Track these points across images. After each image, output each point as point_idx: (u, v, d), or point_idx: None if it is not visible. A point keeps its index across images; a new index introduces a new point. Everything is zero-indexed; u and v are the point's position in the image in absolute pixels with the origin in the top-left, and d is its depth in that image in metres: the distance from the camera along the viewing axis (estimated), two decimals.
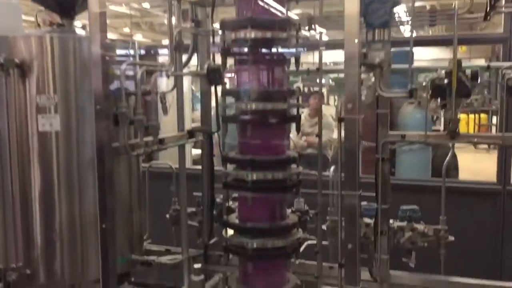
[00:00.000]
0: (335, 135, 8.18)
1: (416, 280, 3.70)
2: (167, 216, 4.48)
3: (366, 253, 3.91)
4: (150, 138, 3.23)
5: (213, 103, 3.80)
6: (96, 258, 3.68)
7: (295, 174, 3.21)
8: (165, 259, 3.94)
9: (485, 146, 13.07)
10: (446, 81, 3.18)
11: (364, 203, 4.03)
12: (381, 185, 3.67)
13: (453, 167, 7.43)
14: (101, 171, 2.84)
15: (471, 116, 15.11)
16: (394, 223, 3.80)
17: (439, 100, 3.35)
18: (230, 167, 3.29)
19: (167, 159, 4.70)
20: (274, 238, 3.18)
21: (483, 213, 5.19)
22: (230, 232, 3.36)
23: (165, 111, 3.25)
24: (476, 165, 9.74)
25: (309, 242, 3.97)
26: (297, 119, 3.20)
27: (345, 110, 2.44)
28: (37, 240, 3.59)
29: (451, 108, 3.23)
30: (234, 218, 3.36)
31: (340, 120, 2.51)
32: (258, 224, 3.19)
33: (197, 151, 10.27)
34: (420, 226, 3.76)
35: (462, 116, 10.30)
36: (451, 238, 3.77)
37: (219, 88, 3.51)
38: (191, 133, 3.81)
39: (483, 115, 15.54)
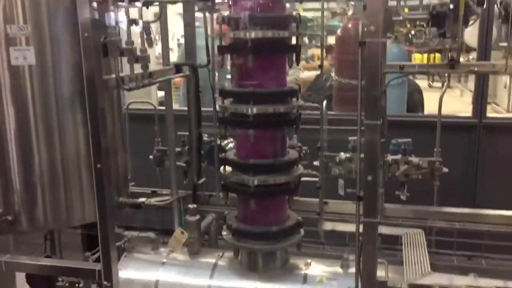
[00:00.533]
0: None
1: (410, 212, 3.71)
2: (151, 157, 4.27)
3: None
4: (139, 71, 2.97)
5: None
6: (80, 202, 3.50)
7: (297, 107, 3.05)
8: (154, 200, 3.76)
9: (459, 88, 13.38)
10: (451, 6, 3.03)
11: (354, 138, 3.98)
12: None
13: (419, 103, 7.48)
14: (93, 106, 2.59)
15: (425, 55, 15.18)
16: (389, 157, 3.76)
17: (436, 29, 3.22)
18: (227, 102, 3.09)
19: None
20: (276, 174, 3.05)
21: (459, 146, 5.26)
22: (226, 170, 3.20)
23: (150, 43, 2.97)
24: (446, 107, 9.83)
25: (304, 178, 3.89)
26: (297, 48, 3.00)
27: (366, 33, 2.26)
28: (16, 184, 3.32)
29: (453, 36, 3.11)
30: (232, 155, 3.20)
31: (361, 44, 2.34)
32: (260, 160, 3.04)
33: (161, 93, 9.95)
34: (415, 159, 3.74)
35: (417, 56, 10.32)
36: (445, 169, 3.79)
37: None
38: (178, 68, 3.55)
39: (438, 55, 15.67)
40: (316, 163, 3.92)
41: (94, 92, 2.59)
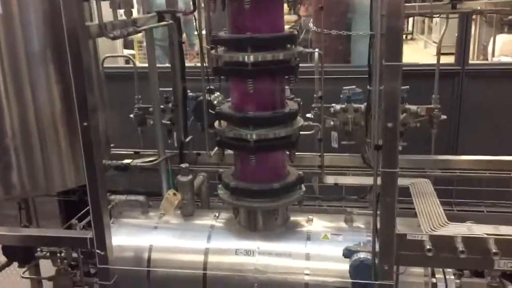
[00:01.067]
0: None
1: (408, 162, 3.59)
2: (131, 116, 3.97)
3: (355, 140, 3.74)
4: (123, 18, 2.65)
5: None
6: (60, 167, 3.21)
7: (295, 54, 2.82)
8: (141, 162, 3.50)
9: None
10: None
11: (348, 87, 3.80)
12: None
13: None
14: (77, 58, 2.28)
15: None
16: None
17: None
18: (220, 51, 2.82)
19: None
20: (277, 127, 2.84)
21: (442, 94, 5.16)
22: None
23: None
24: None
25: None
26: None
27: None
28: None
29: None
30: (227, 109, 2.95)
31: None
32: (259, 113, 2.81)
33: (129, 51, 9.45)
34: (413, 107, 3.59)
35: None
36: (444, 116, 3.67)
37: None
38: (160, 16, 3.23)
39: None
40: (309, 115, 3.74)
41: (76, 41, 2.27)
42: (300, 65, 2.88)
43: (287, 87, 2.99)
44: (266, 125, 2.83)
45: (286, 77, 2.87)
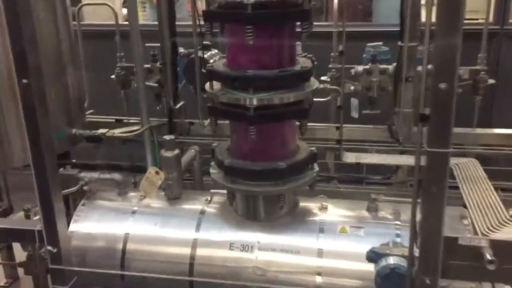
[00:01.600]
0: None
1: None
2: (113, 77, 3.35)
3: (380, 108, 3.09)
4: None
5: None
6: (19, 136, 2.63)
7: None
8: (119, 132, 2.89)
9: None
10: None
11: (372, 44, 3.12)
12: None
13: None
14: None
15: None
16: (420, 67, 2.93)
17: None
18: None
19: None
20: (284, 90, 2.20)
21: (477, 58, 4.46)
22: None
23: None
24: None
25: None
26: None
27: None
28: None
29: None
30: (221, 66, 2.31)
31: None
32: (262, 71, 2.17)
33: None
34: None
35: None
36: (492, 81, 3.00)
37: None
38: None
39: None
40: (325, 78, 3.09)
41: None
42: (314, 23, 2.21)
43: (298, 42, 2.33)
44: (270, 87, 2.19)
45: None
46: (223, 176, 2.38)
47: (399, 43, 2.87)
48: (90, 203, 2.68)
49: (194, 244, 2.44)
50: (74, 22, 3.25)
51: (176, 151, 2.58)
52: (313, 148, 2.44)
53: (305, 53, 2.94)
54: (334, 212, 2.50)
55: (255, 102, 2.16)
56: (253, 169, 2.30)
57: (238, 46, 2.21)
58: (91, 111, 3.43)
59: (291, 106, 2.24)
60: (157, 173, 2.57)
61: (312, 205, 2.56)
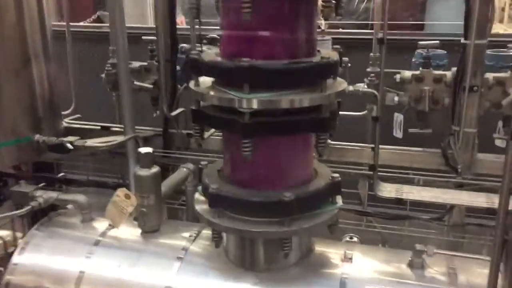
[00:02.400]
0: None
1: None
2: (102, 76, 2.78)
3: (432, 127, 2.37)
4: None
5: None
6: None
7: None
8: (93, 142, 2.29)
9: None
10: None
11: (425, 42, 2.40)
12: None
13: None
14: None
15: None
16: (488, 74, 2.20)
17: None
18: None
19: None
20: (295, 89, 1.54)
21: None
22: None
23: None
24: None
25: None
26: None
27: None
28: None
29: None
30: (211, 55, 1.68)
31: None
32: (262, 61, 1.52)
33: None
34: None
35: None
36: None
37: None
38: None
39: None
40: (361, 85, 2.40)
41: None
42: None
43: (321, 21, 1.65)
44: (274, 85, 1.53)
45: None
46: (209, 210, 1.72)
47: (462, 40, 2.16)
48: (45, 228, 2.09)
49: None
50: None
51: (155, 169, 1.95)
52: (336, 175, 1.74)
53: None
54: (362, 265, 1.80)
55: (251, 105, 1.50)
56: (246, 199, 1.63)
57: (231, 24, 1.57)
58: (77, 115, 2.88)
59: (304, 114, 1.57)
60: (127, 196, 1.94)
61: (333, 252, 1.86)
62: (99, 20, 5.85)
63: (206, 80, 1.70)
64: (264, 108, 1.52)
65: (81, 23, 4.93)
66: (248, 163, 1.60)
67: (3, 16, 2.13)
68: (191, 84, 1.68)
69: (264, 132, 1.56)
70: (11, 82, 2.16)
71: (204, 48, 2.38)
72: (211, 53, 1.71)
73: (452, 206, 2.27)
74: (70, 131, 2.65)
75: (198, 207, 1.78)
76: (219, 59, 1.61)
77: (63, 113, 2.85)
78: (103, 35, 3.42)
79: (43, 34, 2.34)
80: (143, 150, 1.95)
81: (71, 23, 2.85)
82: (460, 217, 2.28)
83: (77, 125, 2.73)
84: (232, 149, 1.70)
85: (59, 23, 4.69)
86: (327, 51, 1.70)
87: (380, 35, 2.34)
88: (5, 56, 2.13)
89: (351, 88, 2.04)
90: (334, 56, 1.64)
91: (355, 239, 2.25)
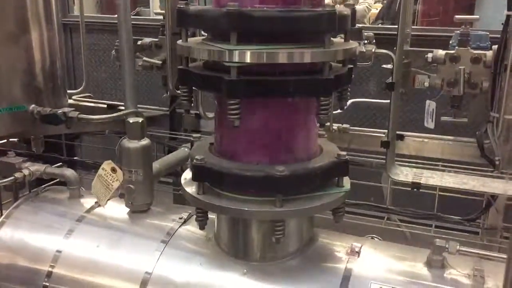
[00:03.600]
0: None
1: None
2: (113, 53, 2.64)
3: (468, 115, 2.07)
4: None
5: None
6: None
7: None
8: (92, 116, 2.13)
9: None
10: None
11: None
12: None
13: None
14: None
15: None
16: None
17: None
18: None
19: None
20: (291, 44, 1.31)
21: None
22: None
23: None
24: None
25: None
26: None
27: None
28: None
29: None
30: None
31: None
32: (253, 8, 1.30)
33: None
34: None
35: None
36: None
37: None
38: None
39: None
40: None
41: None
42: None
43: None
44: (267, 36, 1.30)
45: None
46: (194, 187, 1.50)
47: (506, 12, 1.87)
48: (30, 203, 1.93)
49: (145, 282, 1.58)
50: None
51: (145, 142, 1.76)
52: (343, 153, 1.49)
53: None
54: (370, 260, 1.53)
55: (238, 57, 1.28)
56: (232, 173, 1.40)
57: None
58: (87, 94, 2.76)
59: (302, 74, 1.34)
60: (113, 170, 1.76)
61: (338, 244, 1.60)
62: (138, 15, 5.86)
63: (197, 39, 1.50)
64: (252, 62, 1.29)
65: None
66: (236, 131, 1.38)
67: None
68: (179, 41, 1.49)
69: (253, 92, 1.33)
70: (7, 47, 2.03)
71: None
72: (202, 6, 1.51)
73: (488, 205, 1.96)
74: (76, 109, 2.52)
75: (183, 182, 1.57)
76: (207, 7, 1.41)
77: (73, 91, 2.76)
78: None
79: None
80: (132, 119, 1.76)
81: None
82: (497, 218, 1.96)
83: (84, 103, 2.61)
84: (220, 115, 1.49)
85: (96, 15, 4.71)
86: (335, 6, 1.46)
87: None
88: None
89: (362, 48, 1.77)
90: (344, 10, 1.40)
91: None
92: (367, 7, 6.57)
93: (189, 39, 1.47)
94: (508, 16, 1.85)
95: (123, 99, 1.89)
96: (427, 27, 4.21)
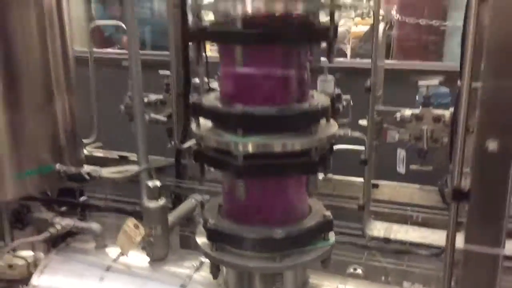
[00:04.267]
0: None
1: None
2: (121, 107, 2.97)
3: (432, 164, 2.45)
4: None
5: None
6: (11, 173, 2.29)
7: None
8: (109, 172, 2.46)
9: None
10: None
11: (426, 82, 2.50)
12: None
13: None
14: None
15: None
16: None
17: None
18: None
19: None
20: (286, 134, 1.66)
21: None
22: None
23: None
24: None
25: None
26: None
27: None
28: None
29: None
30: (212, 99, 1.82)
31: None
32: (255, 107, 1.65)
33: None
34: None
35: None
36: None
37: None
38: None
39: None
40: (363, 122, 2.50)
41: None
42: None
43: (324, 59, 1.75)
44: (267, 130, 1.66)
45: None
46: (208, 243, 1.85)
47: (459, 82, 2.24)
48: (62, 253, 2.26)
49: None
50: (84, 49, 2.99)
51: (162, 202, 2.10)
52: (328, 214, 1.85)
53: (339, 91, 2.43)
54: None
55: (248, 147, 1.63)
56: (240, 235, 1.75)
57: (228, 72, 1.71)
58: (99, 144, 3.08)
59: (296, 158, 1.69)
60: (136, 226, 2.10)
61: (326, 284, 1.96)
62: None
63: (208, 126, 1.85)
64: (256, 152, 1.64)
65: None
66: (242, 201, 1.73)
67: (28, 53, 2.30)
68: (193, 126, 1.83)
69: (256, 174, 1.69)
70: (35, 116, 2.34)
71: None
72: (211, 97, 1.85)
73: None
74: (90, 160, 2.84)
75: (198, 239, 1.90)
76: (216, 104, 1.76)
77: (84, 141, 3.07)
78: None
79: (66, 68, 2.50)
80: (151, 183, 2.10)
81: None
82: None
83: (97, 153, 2.93)
84: (228, 188, 1.84)
85: (99, 50, 4.89)
86: (320, 97, 1.82)
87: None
88: (29, 92, 2.31)
89: (341, 132, 2.14)
90: (325, 101, 1.76)
91: (358, 270, 2.34)
92: (347, 30, 6.96)
93: (202, 124, 1.81)
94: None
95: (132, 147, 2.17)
96: (399, 62, 4.63)
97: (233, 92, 1.72)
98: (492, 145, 0.96)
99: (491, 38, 1.28)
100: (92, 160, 2.80)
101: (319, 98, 1.79)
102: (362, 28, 8.44)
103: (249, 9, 1.57)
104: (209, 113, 1.74)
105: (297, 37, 1.63)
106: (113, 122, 3.16)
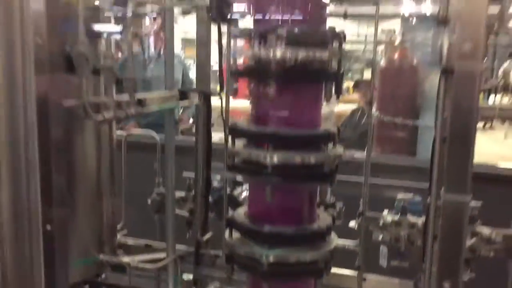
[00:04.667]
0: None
1: None
2: (149, 201, 3.48)
3: (407, 261, 3.00)
4: (125, 98, 2.21)
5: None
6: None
7: (334, 157, 2.22)
8: (143, 261, 2.94)
9: None
10: None
11: (403, 197, 3.10)
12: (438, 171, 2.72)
13: None
14: (45, 146, 1.81)
15: None
16: None
17: None
18: (239, 143, 2.28)
19: None
20: (301, 248, 2.21)
21: None
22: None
23: (145, 64, 2.22)
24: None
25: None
26: (339, 76, 2.19)
27: (458, 54, 1.43)
28: None
29: None
30: (242, 215, 2.37)
31: (446, 71, 1.51)
32: (278, 228, 2.20)
33: None
34: (486, 230, 2.83)
35: None
36: None
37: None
38: (183, 94, 2.78)
39: None
40: (353, 224, 3.07)
41: (47, 124, 1.82)
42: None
43: None
44: (286, 245, 2.21)
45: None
46: None
47: (428, 200, 2.85)
48: None
49: None
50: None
51: None
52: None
53: (333, 200, 2.99)
54: None
55: (271, 258, 2.16)
56: None
57: (258, 202, 2.28)
58: (124, 231, 3.54)
59: (308, 265, 2.23)
60: None
61: None
62: None
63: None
64: (279, 261, 2.18)
65: None
66: None
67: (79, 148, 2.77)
68: (226, 235, 2.36)
69: (279, 279, 2.21)
70: (87, 213, 2.81)
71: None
72: (242, 214, 2.40)
73: None
74: (119, 247, 3.29)
75: None
76: (246, 221, 2.30)
77: None
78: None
79: (112, 172, 3.03)
80: (186, 277, 2.60)
81: None
82: None
83: (127, 241, 3.38)
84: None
85: None
86: (324, 219, 2.39)
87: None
88: (86, 192, 2.78)
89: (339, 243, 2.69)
90: (329, 221, 2.34)
91: None
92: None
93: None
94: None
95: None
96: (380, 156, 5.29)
97: (260, 216, 2.27)
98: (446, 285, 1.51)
99: None
100: (121, 247, 3.26)
101: (324, 219, 2.36)
102: (344, 107, 9.10)
103: None
104: (242, 228, 2.28)
105: None
106: (138, 210, 3.62)
